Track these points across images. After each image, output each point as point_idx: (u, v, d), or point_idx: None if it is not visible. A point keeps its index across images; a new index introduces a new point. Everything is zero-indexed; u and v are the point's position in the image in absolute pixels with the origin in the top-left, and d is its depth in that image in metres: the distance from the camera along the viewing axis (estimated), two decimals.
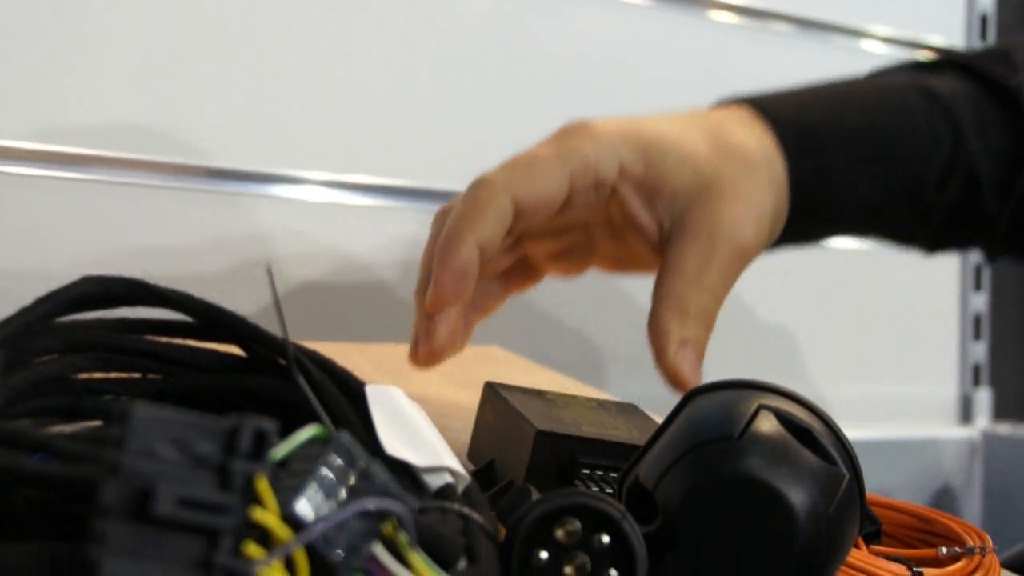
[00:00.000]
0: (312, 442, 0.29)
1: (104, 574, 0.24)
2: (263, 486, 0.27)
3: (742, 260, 0.56)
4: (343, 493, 0.28)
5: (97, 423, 0.42)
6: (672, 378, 0.54)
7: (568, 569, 0.36)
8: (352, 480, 0.29)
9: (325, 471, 0.28)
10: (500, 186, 0.53)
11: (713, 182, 0.55)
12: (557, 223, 0.58)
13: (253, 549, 0.26)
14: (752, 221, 0.56)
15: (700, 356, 0.54)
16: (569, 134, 0.56)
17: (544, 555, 0.36)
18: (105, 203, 0.80)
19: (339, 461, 0.29)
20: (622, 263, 0.64)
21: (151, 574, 0.25)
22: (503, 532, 0.36)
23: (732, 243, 0.54)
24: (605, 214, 0.58)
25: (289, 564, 0.27)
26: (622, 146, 0.56)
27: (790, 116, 0.63)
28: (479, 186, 0.54)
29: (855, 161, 0.64)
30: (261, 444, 0.27)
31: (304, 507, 0.28)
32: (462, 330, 0.55)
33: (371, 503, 0.28)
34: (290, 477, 0.28)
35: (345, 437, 0.29)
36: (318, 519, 0.27)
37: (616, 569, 0.36)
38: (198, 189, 0.83)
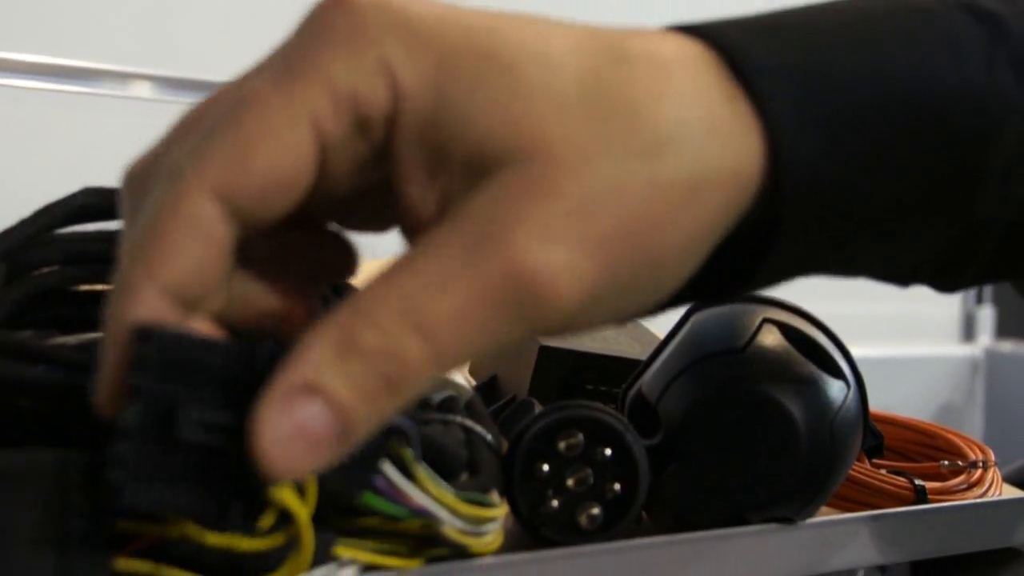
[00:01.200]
0: None
1: (127, 496, 0.24)
2: None
3: (528, 305, 0.26)
4: None
5: (99, 335, 0.42)
6: (255, 453, 0.24)
7: (570, 481, 0.36)
8: None
9: None
10: (190, 179, 0.27)
11: (552, 144, 0.26)
12: (323, 191, 0.28)
13: None
14: (569, 236, 0.26)
15: (327, 443, 0.25)
16: (314, 36, 0.28)
17: (546, 467, 0.36)
18: (105, 116, 0.79)
19: None
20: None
21: (171, 496, 0.25)
22: (506, 445, 0.36)
23: (510, 262, 0.26)
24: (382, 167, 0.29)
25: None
26: (401, 50, 0.28)
27: (784, 61, 0.29)
28: (159, 187, 0.27)
29: (872, 140, 0.30)
30: (276, 365, 0.26)
31: None
32: None
33: None
34: None
35: None
36: None
37: (618, 482, 0.36)
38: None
